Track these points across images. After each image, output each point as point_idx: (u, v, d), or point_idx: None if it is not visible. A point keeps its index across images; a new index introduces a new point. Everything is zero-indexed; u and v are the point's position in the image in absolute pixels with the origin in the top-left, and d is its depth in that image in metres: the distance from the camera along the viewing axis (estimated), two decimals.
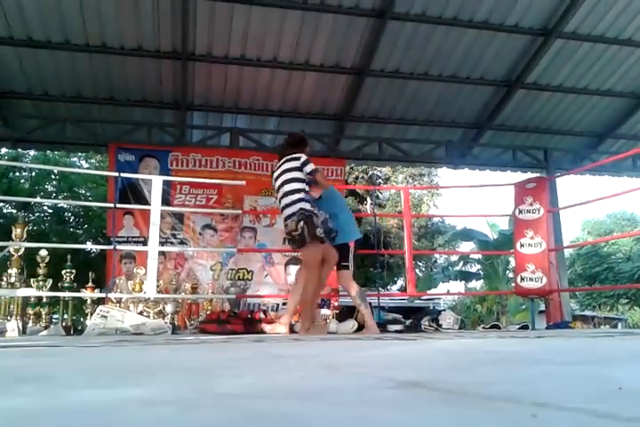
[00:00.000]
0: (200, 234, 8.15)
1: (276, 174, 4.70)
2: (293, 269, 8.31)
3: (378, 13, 7.10)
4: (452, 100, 8.66)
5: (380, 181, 22.54)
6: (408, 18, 7.23)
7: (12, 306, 5.68)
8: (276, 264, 8.23)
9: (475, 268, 15.39)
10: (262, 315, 5.94)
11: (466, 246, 19.78)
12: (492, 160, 9.55)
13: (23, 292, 5.60)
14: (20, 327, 5.49)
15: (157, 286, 5.86)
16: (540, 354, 1.63)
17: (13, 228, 6.08)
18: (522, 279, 6.08)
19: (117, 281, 6.43)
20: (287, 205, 4.48)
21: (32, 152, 15.71)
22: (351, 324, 5.38)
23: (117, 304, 6.07)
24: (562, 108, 9.13)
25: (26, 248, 6.02)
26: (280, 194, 4.58)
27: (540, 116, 9.21)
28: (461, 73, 8.23)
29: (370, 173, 21.61)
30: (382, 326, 5.50)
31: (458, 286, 17.69)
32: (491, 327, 6.47)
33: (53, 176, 16.24)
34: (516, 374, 0.99)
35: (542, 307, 9.18)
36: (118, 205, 6.55)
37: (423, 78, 8.23)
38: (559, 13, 7.31)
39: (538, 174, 9.02)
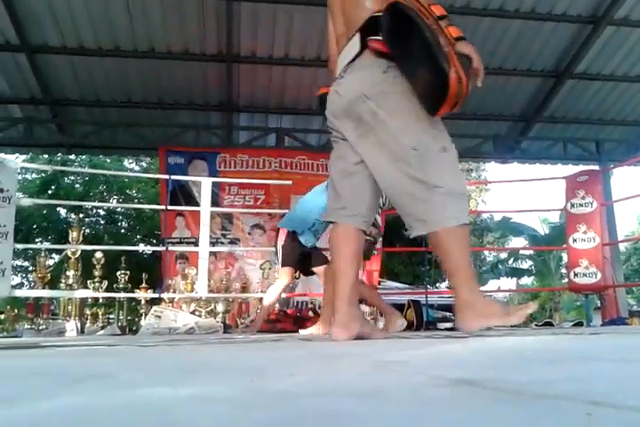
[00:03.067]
0: (249, 233, 8.26)
1: None
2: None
3: None
4: (499, 92, 8.51)
5: None
6: (451, 10, 7.11)
7: (70, 307, 5.88)
8: None
9: (526, 264, 15.09)
10: (311, 313, 5.98)
11: (516, 242, 19.39)
12: (542, 153, 9.35)
13: (81, 293, 5.79)
14: (79, 327, 5.68)
15: (208, 286, 5.96)
16: (596, 352, 1.59)
17: (70, 231, 6.30)
18: (575, 275, 5.93)
19: (170, 281, 6.58)
20: None
21: (81, 157, 16.19)
22: (400, 322, 5.37)
23: (170, 304, 6.21)
24: (613, 98, 8.85)
25: (82, 251, 6.22)
26: None
27: (591, 106, 8.96)
28: (508, 65, 8.08)
29: None
30: (432, 324, 5.46)
31: (509, 283, 17.36)
32: (543, 325, 6.34)
33: (104, 179, 16.69)
34: (570, 372, 0.98)
35: (597, 303, 8.94)
36: (169, 207, 6.71)
37: None
38: (609, 0, 7.09)
39: (590, 167, 8.76)
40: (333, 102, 2.46)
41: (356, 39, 2.26)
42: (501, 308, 2.27)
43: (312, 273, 4.88)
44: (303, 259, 4.73)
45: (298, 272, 5.15)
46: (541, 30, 7.61)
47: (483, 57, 8.02)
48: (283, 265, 4.72)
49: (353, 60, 2.29)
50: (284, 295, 6.29)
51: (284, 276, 4.75)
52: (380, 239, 8.52)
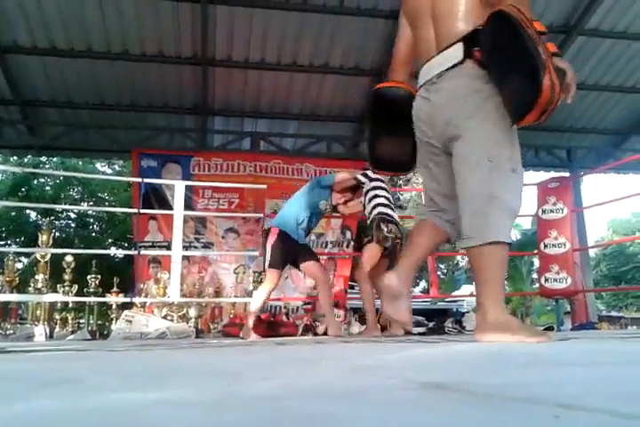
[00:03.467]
0: (223, 237, 8.22)
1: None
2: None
3: (396, 15, 7.07)
4: None
5: (401, 182, 22.47)
6: None
7: (39, 311, 5.79)
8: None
9: None
10: (284, 318, 5.97)
11: None
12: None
13: (50, 297, 5.70)
14: (48, 332, 5.59)
15: (181, 290, 5.91)
16: (566, 356, 1.62)
17: (39, 234, 6.20)
18: (546, 280, 6.02)
19: (142, 286, 6.51)
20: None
21: (53, 159, 15.97)
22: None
23: (142, 309, 6.14)
24: (584, 106, 9.02)
25: (52, 254, 6.12)
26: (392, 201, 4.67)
27: (563, 114, 9.11)
28: None
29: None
30: None
31: None
32: None
33: (76, 182, 16.47)
34: (541, 376, 0.99)
35: (568, 308, 9.08)
36: (142, 211, 6.63)
37: None
38: (580, 10, 7.24)
39: (561, 174, 8.91)
40: (421, 108, 2.54)
41: (458, 48, 2.31)
42: (528, 327, 2.33)
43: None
44: (293, 257, 4.65)
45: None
46: None
47: None
48: (270, 267, 4.56)
49: (451, 67, 2.33)
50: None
51: (270, 278, 4.57)
52: (352, 244, 8.58)
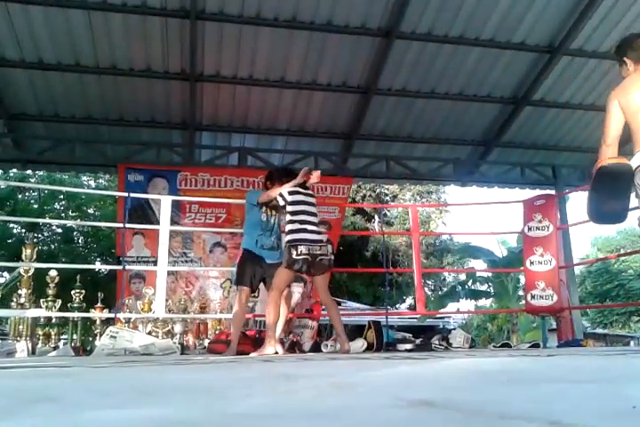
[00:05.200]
0: (211, 252, 8.20)
1: (312, 199, 4.77)
2: (296, 286, 8.33)
3: (384, 33, 7.18)
4: (460, 117, 8.69)
5: (388, 198, 22.54)
6: (414, 37, 7.30)
7: (21, 327, 5.69)
8: None
9: (484, 286, 15.28)
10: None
11: (475, 264, 19.68)
12: (500, 177, 9.55)
13: (33, 312, 5.61)
14: (30, 348, 5.49)
15: (166, 306, 5.85)
16: (553, 372, 1.61)
17: (23, 248, 6.12)
18: (532, 297, 6.03)
19: (127, 301, 6.44)
20: (320, 231, 4.67)
21: (39, 173, 15.86)
22: (360, 343, 5.35)
23: (126, 324, 6.06)
24: (569, 125, 9.14)
25: (35, 269, 6.04)
26: (314, 213, 4.70)
27: (548, 132, 9.22)
28: (468, 91, 8.27)
29: (377, 191, 21.65)
30: (392, 345, 5.46)
31: (468, 305, 17.54)
32: (502, 346, 6.40)
33: (61, 196, 16.34)
34: (528, 393, 0.98)
35: (553, 325, 9.09)
36: (127, 225, 6.59)
37: (430, 96, 8.27)
38: (565, 31, 7.37)
39: (546, 191, 8.98)
40: None
41: None
42: None
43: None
44: (261, 274, 4.75)
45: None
46: (501, 58, 7.82)
47: (444, 83, 8.27)
48: (237, 284, 4.81)
49: None
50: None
51: (239, 296, 4.75)
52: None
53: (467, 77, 8.02)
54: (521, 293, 12.74)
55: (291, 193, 4.63)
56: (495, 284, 14.27)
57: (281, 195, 4.63)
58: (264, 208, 4.88)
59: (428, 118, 8.68)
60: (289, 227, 4.55)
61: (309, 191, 4.78)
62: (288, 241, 4.48)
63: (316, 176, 4.82)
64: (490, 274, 14.37)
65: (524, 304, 6.41)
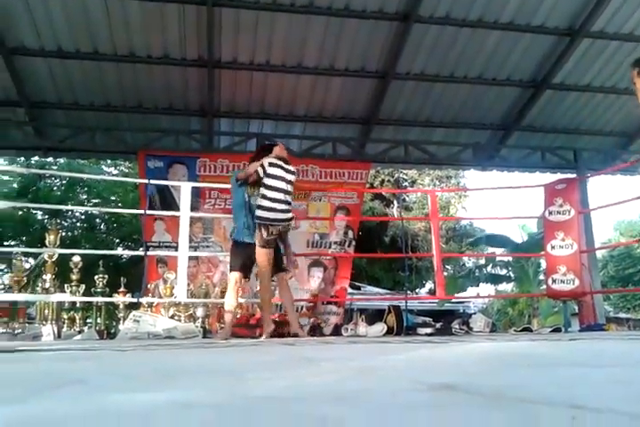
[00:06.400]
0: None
1: (292, 176, 4.70)
2: (316, 271, 8.38)
3: (402, 17, 7.09)
4: (479, 101, 8.59)
5: (407, 183, 22.43)
6: (432, 21, 7.21)
7: (46, 311, 5.80)
8: (299, 267, 8.27)
9: (504, 271, 15.21)
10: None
11: (494, 249, 19.56)
12: (521, 162, 9.44)
13: (57, 297, 5.72)
14: (55, 332, 5.60)
15: (188, 291, 5.92)
16: (575, 357, 1.61)
17: (47, 235, 6.22)
18: (553, 281, 5.99)
19: (149, 286, 6.52)
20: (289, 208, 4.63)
21: (60, 160, 16.01)
22: (380, 327, 5.38)
23: (149, 309, 6.15)
24: (590, 108, 8.99)
25: (59, 254, 6.14)
26: (288, 191, 4.64)
27: (568, 116, 9.08)
28: (487, 74, 8.17)
29: (396, 176, 21.54)
30: (412, 329, 5.48)
31: (488, 289, 17.48)
32: (522, 330, 6.39)
33: (82, 184, 16.51)
34: (550, 377, 0.98)
35: (575, 309, 9.04)
36: (148, 212, 6.65)
37: (449, 80, 8.19)
38: (586, 13, 7.23)
39: (567, 175, 8.87)
40: None
41: None
42: None
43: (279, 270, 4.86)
44: (251, 258, 4.76)
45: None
46: (520, 41, 7.70)
47: (463, 66, 8.19)
48: (230, 270, 4.88)
49: None
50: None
51: (231, 280, 4.82)
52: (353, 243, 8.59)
53: (486, 61, 7.91)
54: (542, 277, 12.66)
55: (271, 164, 4.58)
56: (515, 268, 14.20)
57: (262, 165, 4.58)
58: (246, 187, 4.82)
59: (446, 102, 8.59)
60: (260, 202, 4.50)
61: (291, 168, 4.70)
62: (259, 217, 4.47)
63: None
64: (510, 258, 14.29)
65: (545, 289, 6.36)
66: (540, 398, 0.71)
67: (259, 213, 4.46)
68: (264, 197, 4.47)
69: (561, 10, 7.22)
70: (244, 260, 4.74)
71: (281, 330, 5.07)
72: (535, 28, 7.45)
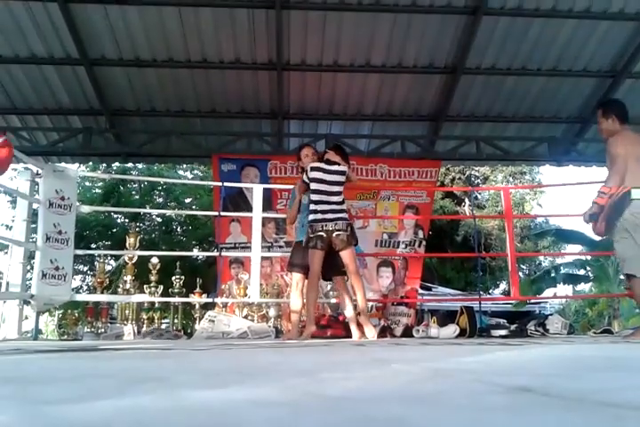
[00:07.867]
0: None
1: (333, 176, 4.74)
2: (385, 271, 8.32)
3: (471, 10, 6.96)
4: (553, 94, 8.31)
5: (478, 181, 21.96)
6: (503, 12, 7.03)
7: (127, 311, 6.05)
8: (368, 267, 8.25)
9: (582, 270, 14.60)
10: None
11: (571, 248, 18.82)
12: (599, 156, 8.98)
13: (137, 298, 5.94)
14: (136, 331, 5.83)
15: (261, 291, 6.01)
16: None
17: (127, 237, 6.48)
18: None
19: (223, 286, 6.67)
20: (339, 209, 4.65)
21: (139, 166, 16.66)
22: (453, 328, 5.29)
23: (223, 309, 6.29)
24: None
25: (138, 256, 6.39)
26: (332, 191, 4.68)
27: None
28: (562, 65, 7.88)
29: (467, 173, 21.11)
30: (485, 331, 5.37)
31: (565, 290, 16.84)
32: (602, 332, 6.13)
33: (160, 188, 17.10)
34: (632, 381, 0.95)
35: None
36: (222, 213, 6.83)
37: (521, 73, 7.96)
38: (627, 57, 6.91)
39: None
40: None
41: None
42: None
43: (335, 274, 4.88)
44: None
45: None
46: (596, 30, 7.39)
47: (536, 58, 7.90)
48: (292, 271, 5.03)
49: None
50: (334, 301, 6.30)
51: (294, 280, 4.95)
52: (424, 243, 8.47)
53: (560, 52, 7.64)
54: (622, 276, 12.08)
55: (312, 169, 4.72)
56: (594, 267, 13.62)
57: (305, 171, 4.78)
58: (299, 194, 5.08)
59: (519, 96, 8.35)
60: (310, 206, 4.69)
61: (334, 167, 4.74)
62: (308, 221, 4.66)
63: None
64: (588, 257, 13.72)
65: (626, 289, 6.07)
66: (624, 402, 0.69)
67: (309, 216, 4.65)
68: (310, 201, 4.69)
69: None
70: (303, 260, 4.81)
71: (323, 333, 5.16)
72: (613, 14, 7.13)
